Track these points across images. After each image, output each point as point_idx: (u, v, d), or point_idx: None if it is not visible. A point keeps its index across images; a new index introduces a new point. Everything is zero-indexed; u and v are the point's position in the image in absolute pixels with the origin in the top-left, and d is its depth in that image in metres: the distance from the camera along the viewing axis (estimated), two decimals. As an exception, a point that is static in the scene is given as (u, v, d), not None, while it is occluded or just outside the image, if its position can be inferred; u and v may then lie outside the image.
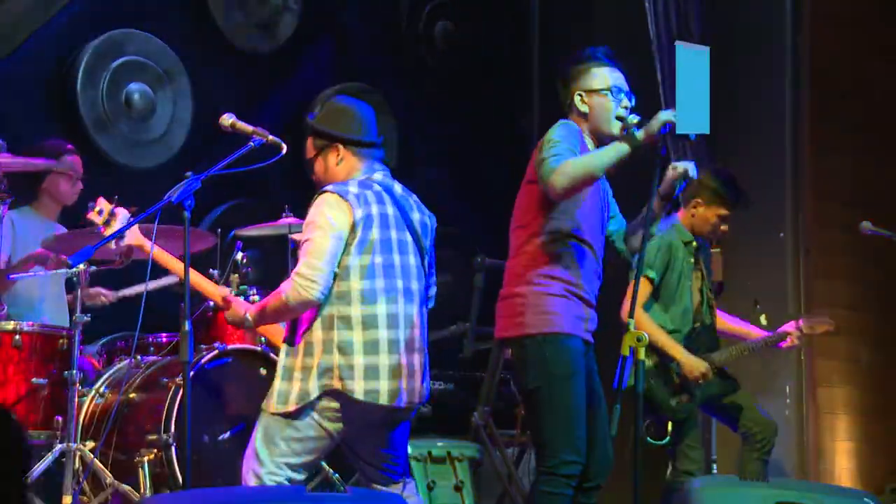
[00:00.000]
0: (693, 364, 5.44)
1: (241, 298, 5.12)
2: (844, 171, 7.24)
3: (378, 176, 4.19)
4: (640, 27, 7.15)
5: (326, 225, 3.99)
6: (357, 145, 4.19)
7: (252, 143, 4.06)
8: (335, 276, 3.99)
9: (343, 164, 4.19)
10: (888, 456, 7.24)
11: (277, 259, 5.99)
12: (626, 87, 4.29)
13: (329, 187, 4.09)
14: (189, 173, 3.98)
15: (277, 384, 4.03)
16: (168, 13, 7.06)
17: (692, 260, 5.60)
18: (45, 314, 5.60)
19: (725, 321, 5.87)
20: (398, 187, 4.23)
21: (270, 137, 4.07)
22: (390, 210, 4.12)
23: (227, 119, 4.15)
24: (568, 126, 4.22)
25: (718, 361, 5.61)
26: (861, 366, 7.27)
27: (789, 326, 5.74)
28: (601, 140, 4.27)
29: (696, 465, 5.55)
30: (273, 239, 5.98)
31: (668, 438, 5.49)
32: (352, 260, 4.00)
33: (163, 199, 3.96)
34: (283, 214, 5.78)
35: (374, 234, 4.03)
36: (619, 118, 4.23)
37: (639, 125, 4.20)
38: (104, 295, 5.91)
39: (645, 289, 5.45)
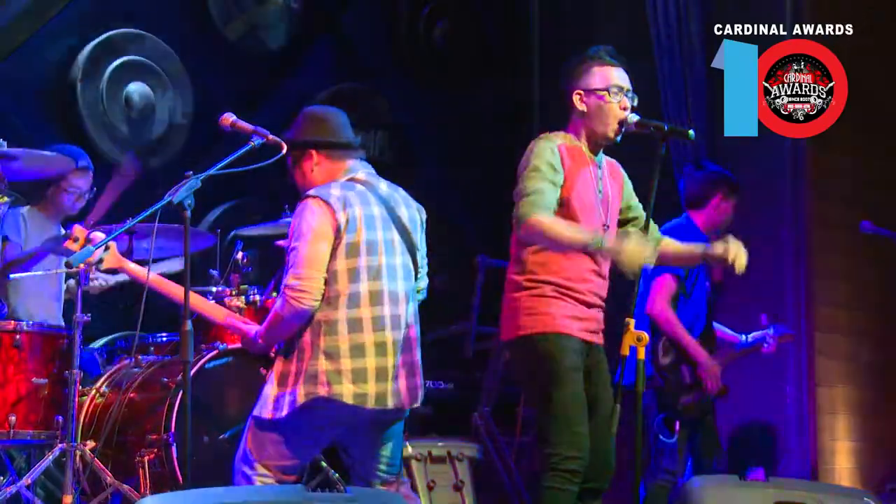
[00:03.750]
0: (713, 370, 5.46)
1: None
2: (844, 170, 7.24)
3: (361, 175, 4.16)
4: (640, 28, 7.15)
5: (309, 232, 3.98)
6: (330, 147, 4.18)
7: (252, 143, 4.05)
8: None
9: (319, 169, 4.18)
10: (888, 456, 7.23)
11: (277, 259, 5.97)
12: (627, 87, 4.22)
13: (311, 192, 4.07)
14: (189, 173, 3.97)
15: (269, 390, 4.03)
16: (168, 13, 7.05)
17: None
18: (45, 314, 5.59)
19: None
20: (384, 185, 4.20)
21: (270, 137, 4.07)
22: (375, 210, 4.09)
23: (227, 119, 4.14)
24: (546, 144, 4.15)
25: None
26: (861, 366, 7.27)
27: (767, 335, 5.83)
28: (598, 140, 4.24)
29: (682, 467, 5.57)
30: (273, 239, 5.97)
31: (675, 437, 5.50)
32: (338, 264, 3.99)
33: (163, 199, 3.95)
34: (283, 214, 5.78)
35: (360, 236, 4.01)
36: (618, 120, 4.20)
37: (637, 125, 4.19)
38: (98, 279, 5.75)
39: (672, 286, 5.46)
